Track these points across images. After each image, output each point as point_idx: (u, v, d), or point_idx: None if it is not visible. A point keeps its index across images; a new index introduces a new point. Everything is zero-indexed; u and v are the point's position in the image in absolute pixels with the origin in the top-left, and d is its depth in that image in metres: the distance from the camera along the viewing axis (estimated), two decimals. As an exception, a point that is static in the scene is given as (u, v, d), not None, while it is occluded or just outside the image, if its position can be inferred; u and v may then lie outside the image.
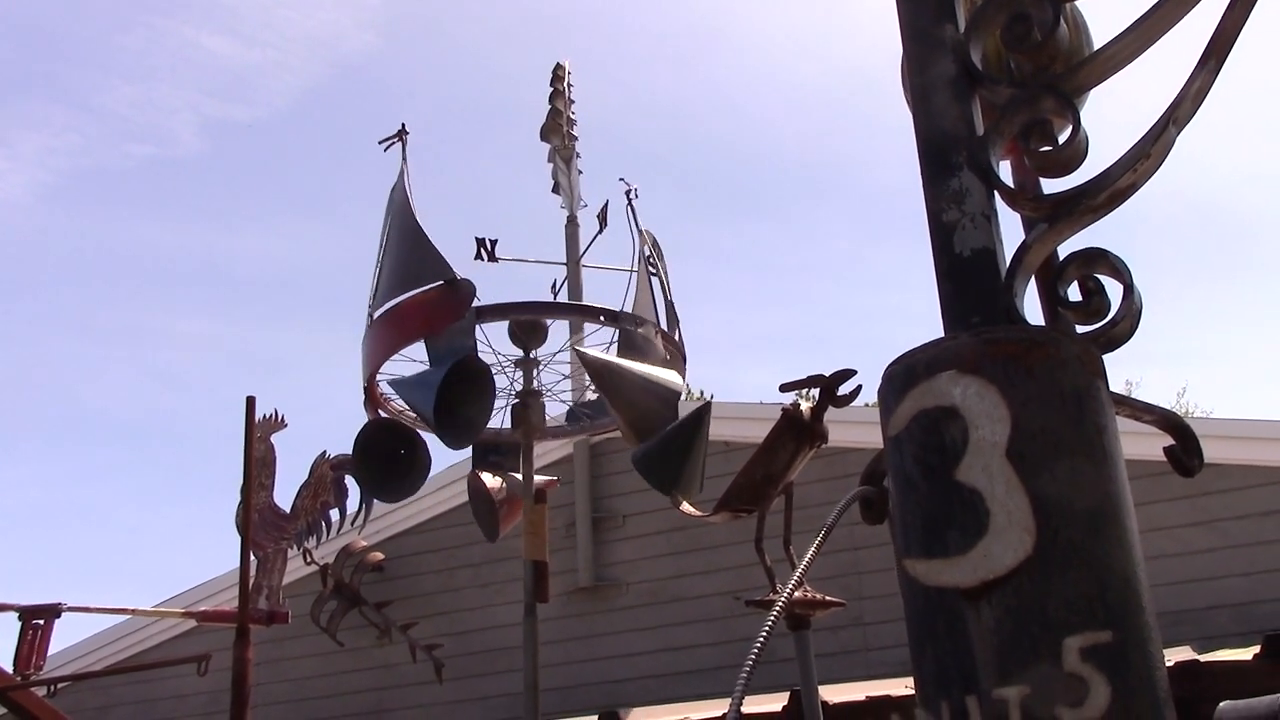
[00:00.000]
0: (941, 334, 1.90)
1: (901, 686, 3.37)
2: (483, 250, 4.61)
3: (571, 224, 6.26)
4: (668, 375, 3.50)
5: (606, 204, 5.56)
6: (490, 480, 3.66)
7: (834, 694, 3.02)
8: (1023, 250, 1.94)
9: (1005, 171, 2.08)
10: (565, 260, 6.48)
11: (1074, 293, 1.91)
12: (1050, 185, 2.04)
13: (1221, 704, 1.66)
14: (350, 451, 4.28)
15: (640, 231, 4.46)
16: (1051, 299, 2.01)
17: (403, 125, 4.44)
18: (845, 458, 7.62)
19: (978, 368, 1.72)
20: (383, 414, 3.68)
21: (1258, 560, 7.04)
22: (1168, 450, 2.02)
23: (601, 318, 3.79)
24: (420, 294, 3.55)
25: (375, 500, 3.65)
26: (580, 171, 6.17)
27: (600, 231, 5.50)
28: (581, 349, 3.60)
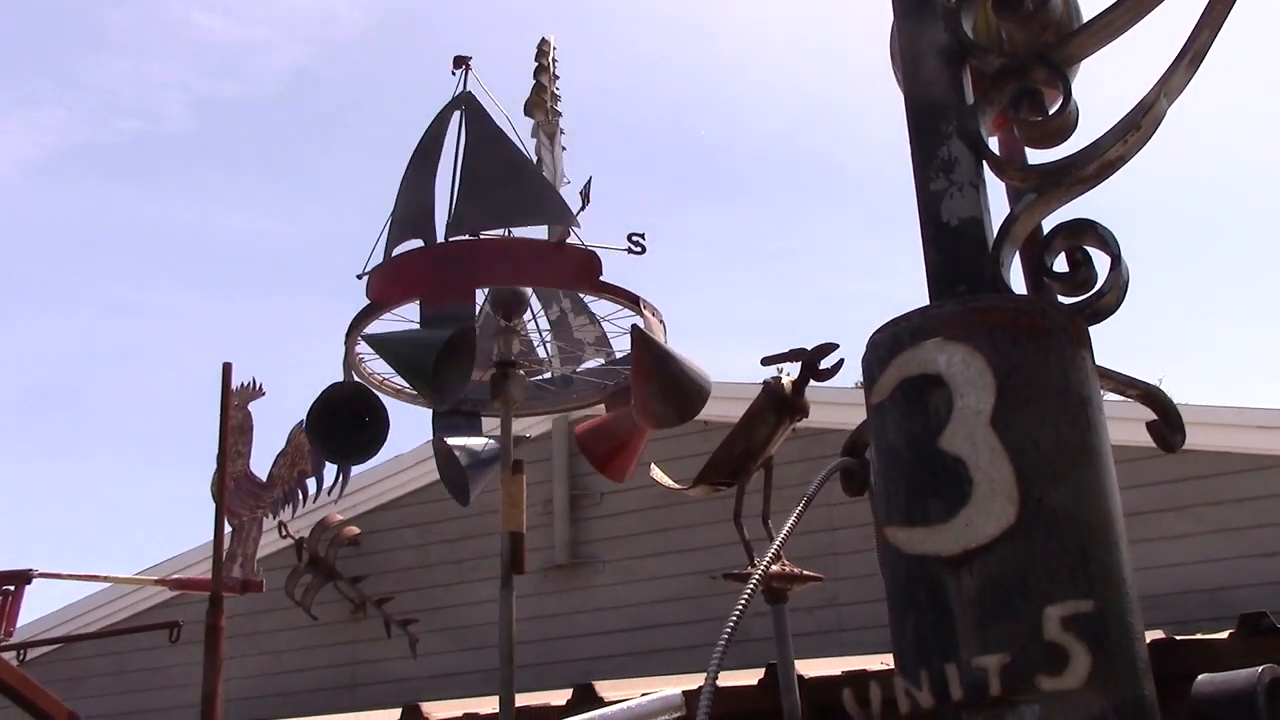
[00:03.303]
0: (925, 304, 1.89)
1: (878, 663, 3.38)
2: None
3: (554, 201, 6.23)
4: (704, 374, 3.45)
5: (589, 180, 5.47)
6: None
7: (809, 668, 3.03)
8: (1010, 220, 1.92)
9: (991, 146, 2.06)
10: (547, 236, 6.45)
11: (1060, 263, 1.90)
12: (1039, 157, 2.03)
13: (1199, 677, 1.65)
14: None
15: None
16: (1037, 270, 1.99)
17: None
18: (822, 438, 7.62)
19: (964, 335, 1.71)
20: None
21: (1231, 546, 7.09)
22: (1150, 425, 2.01)
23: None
24: (540, 244, 3.49)
25: (340, 465, 3.61)
26: (564, 148, 6.12)
27: (583, 208, 5.42)
28: (643, 329, 3.51)
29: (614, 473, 3.50)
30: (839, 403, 7.15)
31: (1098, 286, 1.84)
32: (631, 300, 3.66)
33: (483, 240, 3.59)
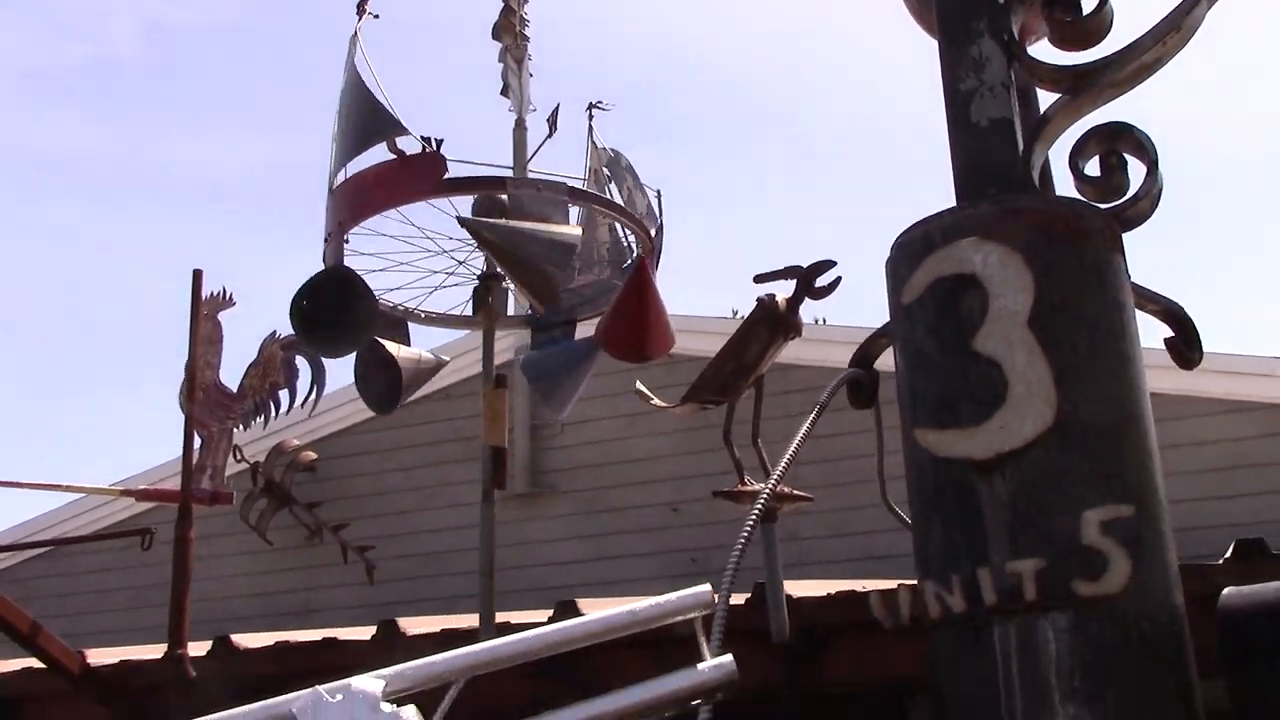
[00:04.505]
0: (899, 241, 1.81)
1: (859, 586, 3.38)
2: (427, 150, 4.45)
3: (519, 128, 6.08)
4: (563, 230, 3.37)
5: (557, 108, 5.35)
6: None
7: (795, 589, 3.01)
8: (1042, 121, 1.86)
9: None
10: (512, 165, 6.33)
11: (1092, 167, 1.84)
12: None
13: (1226, 590, 1.62)
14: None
15: (596, 149, 4.25)
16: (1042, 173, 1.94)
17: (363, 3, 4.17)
18: (786, 374, 7.59)
19: (1001, 235, 1.65)
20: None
21: (1190, 489, 7.16)
22: (1168, 342, 1.97)
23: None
24: (386, 165, 3.43)
25: (320, 358, 3.49)
26: (531, 75, 5.98)
27: (549, 136, 5.30)
28: (465, 216, 3.45)
29: (653, 350, 3.39)
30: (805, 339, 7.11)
31: (1132, 192, 1.79)
32: (495, 185, 3.56)
33: (340, 184, 3.57)
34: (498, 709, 2.15)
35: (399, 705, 1.25)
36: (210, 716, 1.27)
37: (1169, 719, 1.53)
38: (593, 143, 3.98)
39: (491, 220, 3.37)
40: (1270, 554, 2.72)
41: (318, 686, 1.24)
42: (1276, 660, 1.57)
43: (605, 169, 3.90)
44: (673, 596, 1.40)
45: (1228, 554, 2.71)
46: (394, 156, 3.51)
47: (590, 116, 4.08)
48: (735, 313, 9.71)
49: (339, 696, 1.23)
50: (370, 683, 1.24)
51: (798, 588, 3.09)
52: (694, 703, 1.46)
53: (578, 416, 9.19)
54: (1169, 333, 1.98)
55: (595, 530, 8.63)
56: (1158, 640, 1.54)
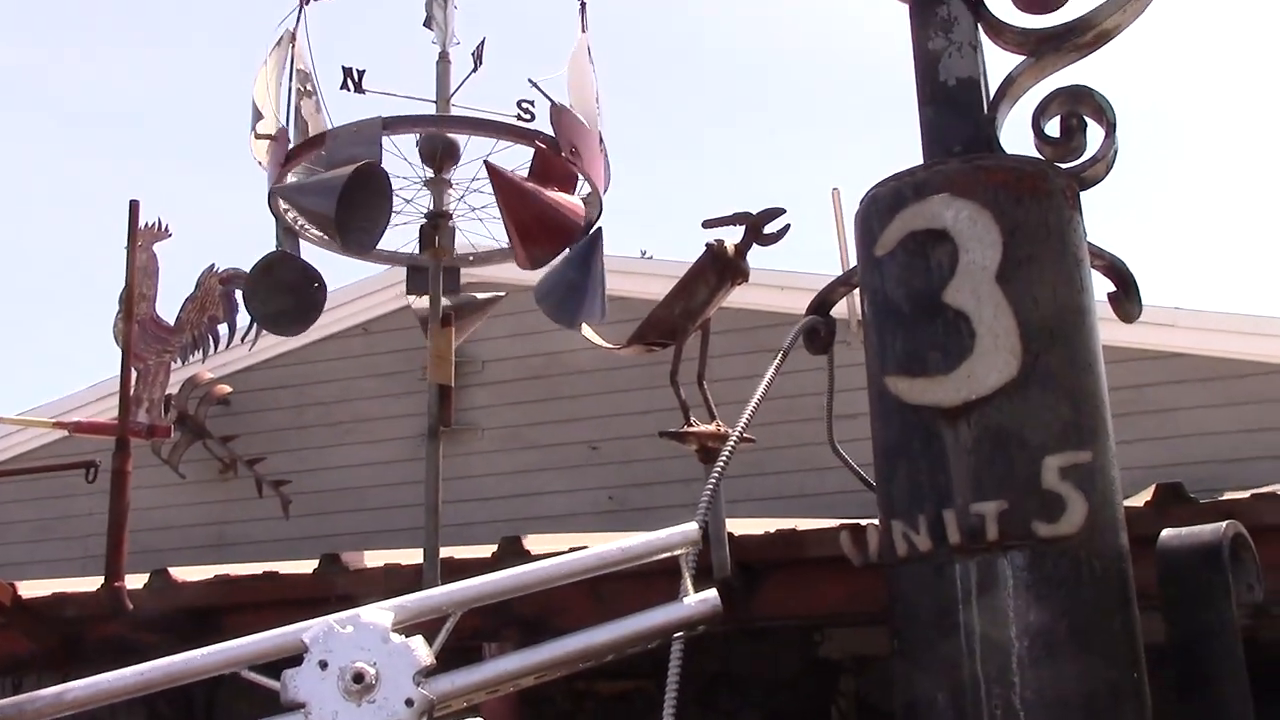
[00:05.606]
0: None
1: (797, 525, 3.48)
2: (349, 80, 4.41)
3: (443, 61, 6.02)
4: (333, 174, 3.39)
5: (483, 41, 5.31)
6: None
7: (735, 527, 3.10)
8: (1007, 82, 1.93)
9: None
10: (435, 98, 6.26)
11: (1053, 128, 1.91)
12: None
13: (1164, 532, 1.73)
14: (240, 269, 4.09)
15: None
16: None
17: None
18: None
19: (971, 192, 1.73)
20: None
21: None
22: (1111, 296, 2.07)
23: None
24: (270, 142, 3.48)
25: (267, 330, 3.52)
26: (455, 7, 5.92)
27: (474, 70, 5.26)
28: (276, 186, 3.47)
29: (541, 251, 3.41)
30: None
31: (1091, 154, 1.87)
32: (317, 143, 3.56)
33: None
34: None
35: (406, 635, 1.29)
36: (219, 644, 1.30)
37: (1116, 651, 1.64)
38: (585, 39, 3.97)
39: (288, 184, 3.40)
40: (1187, 497, 2.87)
41: (328, 617, 1.28)
42: (1211, 598, 1.68)
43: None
44: (662, 533, 1.46)
45: (1149, 497, 2.85)
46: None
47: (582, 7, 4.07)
48: (644, 253, 9.74)
49: (349, 628, 1.27)
50: (379, 614, 1.29)
51: (736, 525, 3.18)
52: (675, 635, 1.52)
53: (497, 354, 9.22)
54: (1111, 287, 2.09)
55: (513, 468, 8.68)
56: (1106, 578, 1.64)
